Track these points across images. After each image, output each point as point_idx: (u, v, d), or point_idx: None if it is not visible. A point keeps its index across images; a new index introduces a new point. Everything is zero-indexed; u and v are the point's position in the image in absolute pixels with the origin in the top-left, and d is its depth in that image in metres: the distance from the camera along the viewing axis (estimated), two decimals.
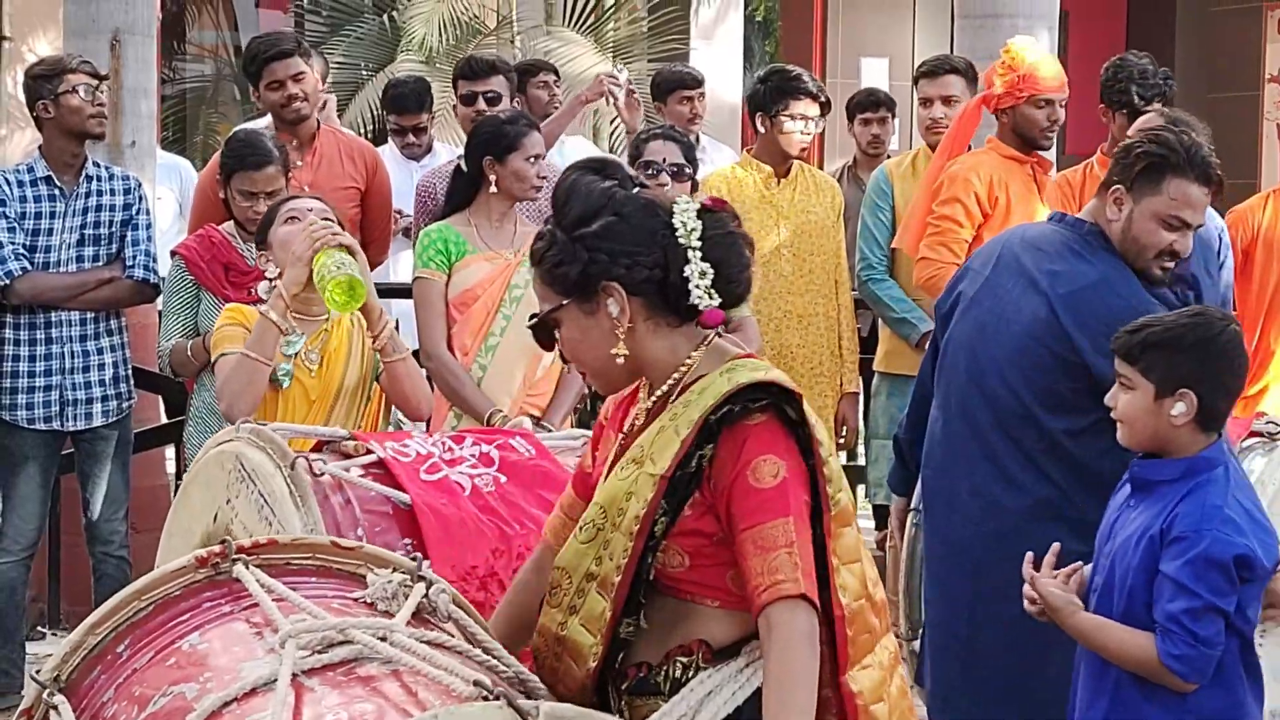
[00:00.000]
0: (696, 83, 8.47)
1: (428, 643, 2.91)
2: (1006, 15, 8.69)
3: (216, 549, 3.14)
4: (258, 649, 2.92)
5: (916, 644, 4.76)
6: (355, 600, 3.12)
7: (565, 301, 3.15)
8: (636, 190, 3.17)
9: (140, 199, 6.52)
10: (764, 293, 6.75)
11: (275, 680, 2.74)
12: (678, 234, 3.09)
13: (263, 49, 6.77)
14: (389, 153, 8.44)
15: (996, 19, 8.70)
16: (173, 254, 5.94)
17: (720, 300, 3.12)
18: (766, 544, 2.97)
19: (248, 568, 3.11)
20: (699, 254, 3.09)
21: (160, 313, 5.98)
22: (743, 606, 3.06)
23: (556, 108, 7.98)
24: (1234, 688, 3.88)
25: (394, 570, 3.20)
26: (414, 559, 3.30)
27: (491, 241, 5.92)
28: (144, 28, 7.82)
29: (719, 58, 10.71)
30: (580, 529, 3.15)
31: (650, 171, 6.24)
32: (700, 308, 3.11)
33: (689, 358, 3.14)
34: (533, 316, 3.24)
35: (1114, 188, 4.58)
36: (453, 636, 3.04)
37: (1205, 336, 3.88)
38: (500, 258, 5.89)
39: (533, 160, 5.90)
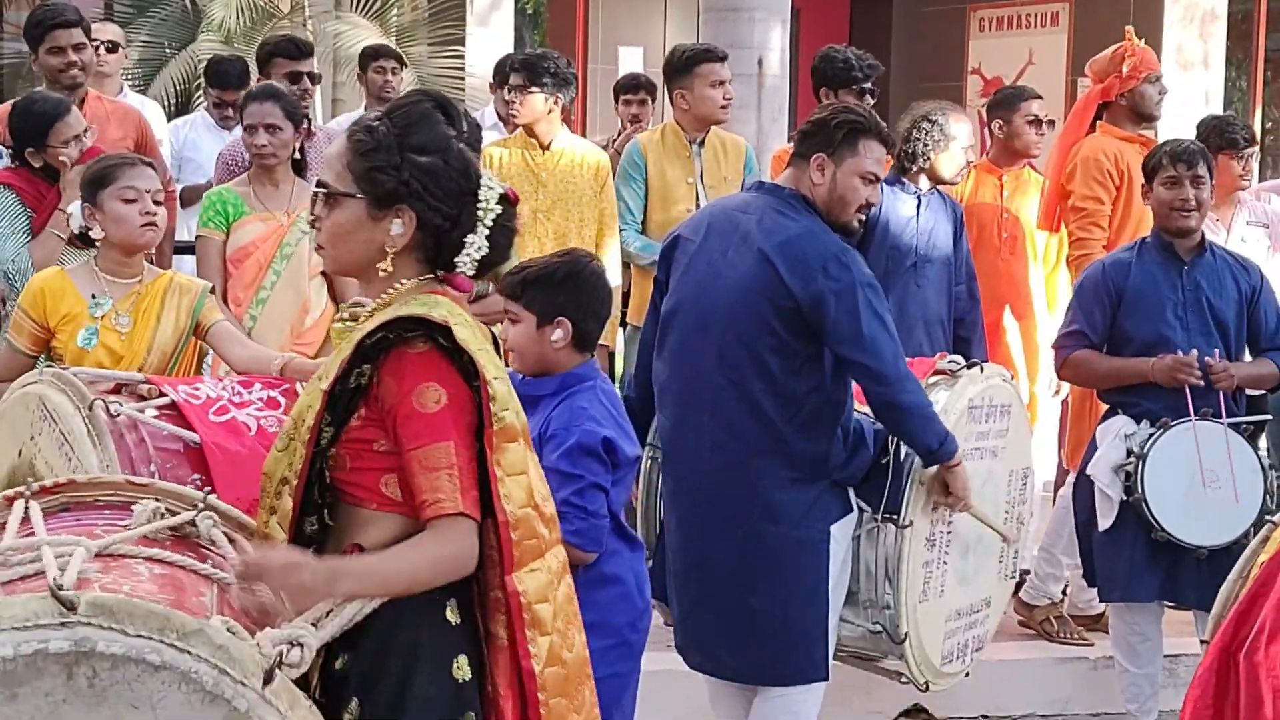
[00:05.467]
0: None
1: (121, 555, 2.97)
2: (745, 9, 8.83)
3: (25, 489, 3.26)
4: None
5: (651, 563, 4.76)
6: (122, 525, 3.14)
7: (358, 195, 3.04)
8: (463, 148, 3.10)
9: None
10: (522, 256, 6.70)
11: None
12: (479, 205, 3.03)
13: (48, 16, 6.56)
14: (202, 120, 8.53)
15: (736, 12, 8.84)
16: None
17: (474, 274, 3.08)
18: (430, 465, 2.91)
19: (28, 502, 3.23)
20: (486, 231, 3.03)
21: None
22: (396, 510, 3.00)
23: (392, 91, 8.07)
24: (619, 553, 4.12)
25: (158, 500, 3.28)
26: (208, 492, 3.37)
27: (268, 203, 5.94)
28: None
29: (492, 44, 10.62)
30: (279, 439, 3.12)
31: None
32: (458, 270, 3.07)
33: (398, 284, 3.05)
34: (321, 184, 3.10)
35: (816, 155, 4.71)
36: (181, 555, 3.06)
37: (574, 271, 4.13)
38: (274, 219, 5.92)
39: (256, 130, 5.90)
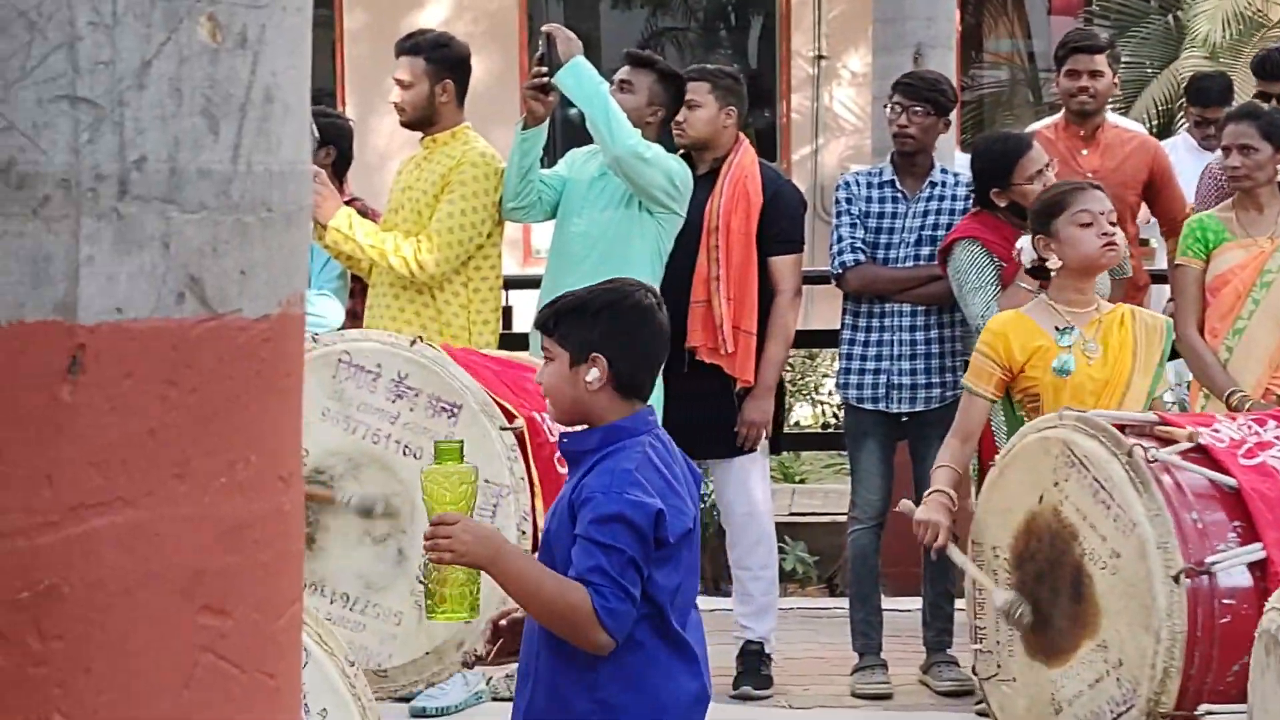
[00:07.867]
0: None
1: None
2: None
3: None
4: None
5: None
6: None
7: None
8: None
9: None
10: None
11: None
12: None
13: (1072, 38, 6.85)
14: (1183, 142, 8.40)
15: None
16: (963, 239, 5.95)
17: None
18: None
19: None
20: None
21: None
22: None
23: None
24: (654, 658, 3.43)
25: None
26: None
27: (1250, 228, 5.86)
28: (944, 40, 7.94)
29: None
30: None
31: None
32: None
33: None
34: None
35: None
36: None
37: (613, 301, 3.55)
38: (1255, 245, 5.83)
39: (1230, 151, 5.80)
